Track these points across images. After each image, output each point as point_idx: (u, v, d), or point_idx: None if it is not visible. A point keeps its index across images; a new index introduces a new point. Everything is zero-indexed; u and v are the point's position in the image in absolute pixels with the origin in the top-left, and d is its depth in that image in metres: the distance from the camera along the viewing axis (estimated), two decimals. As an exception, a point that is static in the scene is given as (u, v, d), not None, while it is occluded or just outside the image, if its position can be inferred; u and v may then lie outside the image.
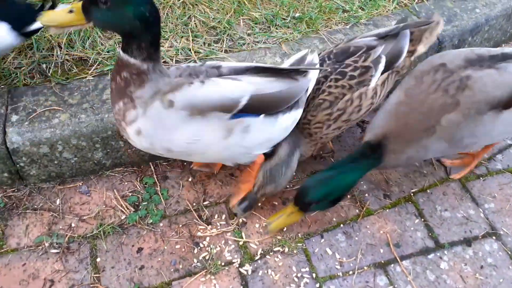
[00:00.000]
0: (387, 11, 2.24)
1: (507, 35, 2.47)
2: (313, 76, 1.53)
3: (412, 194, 1.78)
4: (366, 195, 1.78)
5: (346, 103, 1.58)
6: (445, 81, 1.51)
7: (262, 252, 1.60)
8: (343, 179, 1.50)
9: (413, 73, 1.61)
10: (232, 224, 1.67)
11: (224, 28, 2.06)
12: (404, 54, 1.63)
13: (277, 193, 1.66)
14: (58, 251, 1.58)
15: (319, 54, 1.67)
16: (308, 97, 1.56)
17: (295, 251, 1.60)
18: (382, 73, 1.61)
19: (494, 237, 1.66)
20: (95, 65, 1.85)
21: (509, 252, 1.62)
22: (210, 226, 1.66)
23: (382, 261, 1.59)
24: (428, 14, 2.23)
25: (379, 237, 1.65)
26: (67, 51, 1.87)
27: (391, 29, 1.67)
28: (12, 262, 1.54)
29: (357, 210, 1.73)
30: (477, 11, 2.26)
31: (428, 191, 1.80)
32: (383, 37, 1.66)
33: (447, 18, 2.21)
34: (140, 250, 1.59)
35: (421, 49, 1.70)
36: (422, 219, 1.71)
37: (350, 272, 1.56)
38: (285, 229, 1.66)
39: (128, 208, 1.70)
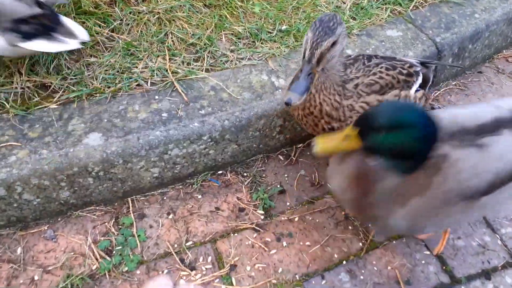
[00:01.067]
0: (380, 20, 2.08)
1: (508, 40, 2.33)
2: None
3: (420, 222, 1.59)
4: (369, 224, 1.58)
5: (395, 97, 1.49)
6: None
7: (255, 298, 1.40)
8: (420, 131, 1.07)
9: None
10: (222, 268, 1.46)
11: (204, 44, 1.88)
12: (430, 81, 1.65)
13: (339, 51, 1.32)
14: (18, 310, 1.36)
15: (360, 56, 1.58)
16: (357, 73, 1.48)
17: (292, 296, 1.40)
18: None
19: (515, 267, 1.48)
20: (60, 92, 1.65)
21: (534, 284, 1.43)
22: (194, 272, 1.45)
23: (393, 303, 1.40)
24: (423, 21, 2.08)
25: (387, 274, 1.46)
26: (28, 76, 1.67)
27: (426, 61, 1.71)
28: (-36, 327, 1.32)
29: (360, 244, 1.54)
30: (476, 16, 2.11)
31: (438, 217, 1.61)
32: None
33: (445, 25, 2.06)
34: (114, 304, 1.38)
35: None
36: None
37: (357, 319, 1.36)
38: (280, 269, 1.46)
39: (100, 255, 1.48)
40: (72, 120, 1.57)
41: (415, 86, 1.56)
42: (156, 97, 1.67)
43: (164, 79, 1.73)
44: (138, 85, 1.71)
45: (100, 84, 1.68)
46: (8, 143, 1.48)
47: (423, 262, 1.49)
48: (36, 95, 1.64)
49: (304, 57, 1.26)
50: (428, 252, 1.51)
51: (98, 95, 1.66)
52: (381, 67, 1.49)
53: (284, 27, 2.00)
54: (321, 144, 1.16)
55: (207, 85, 1.73)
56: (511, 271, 1.46)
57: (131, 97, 1.66)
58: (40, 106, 1.60)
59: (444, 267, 1.48)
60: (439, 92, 2.10)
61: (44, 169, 1.45)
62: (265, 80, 1.77)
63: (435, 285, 1.44)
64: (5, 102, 1.59)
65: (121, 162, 1.54)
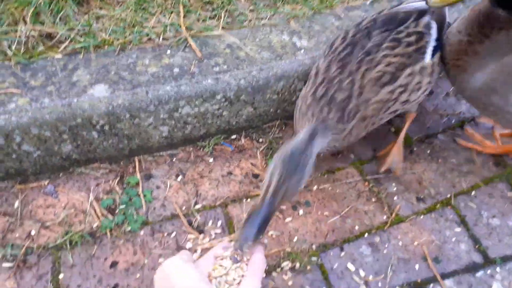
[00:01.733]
0: (411, -15, 1.93)
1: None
2: None
3: (451, 197, 1.45)
4: (395, 198, 1.45)
5: (408, 77, 1.30)
6: None
7: (267, 268, 1.27)
8: None
9: None
10: (232, 232, 1.35)
11: (222, 3, 1.76)
12: (447, 20, 1.40)
13: (296, 194, 1.23)
14: (11, 265, 1.26)
15: (360, 23, 1.40)
16: (358, 68, 1.28)
17: (308, 267, 1.28)
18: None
19: (555, 250, 1.33)
20: (66, 42, 1.55)
21: None
22: (202, 235, 1.34)
23: (419, 280, 1.26)
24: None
25: (413, 250, 1.32)
26: (33, 25, 1.56)
27: None
28: (-46, 280, 1.23)
29: (384, 216, 1.40)
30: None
31: (471, 193, 1.46)
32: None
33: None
34: (114, 264, 1.27)
35: None
36: (466, 228, 1.38)
37: (379, 295, 1.23)
38: (295, 238, 1.33)
39: (102, 213, 1.38)
40: (78, 71, 1.46)
41: (430, 48, 1.36)
42: (168, 52, 1.55)
43: (177, 34, 1.61)
44: (149, 39, 1.60)
45: (109, 36, 1.57)
46: (8, 90, 1.38)
47: (454, 239, 1.35)
48: (41, 44, 1.54)
49: (263, 195, 1.06)
50: (459, 229, 1.37)
51: (106, 47, 1.55)
52: (385, 48, 1.30)
53: (308, -11, 1.87)
54: None
55: (223, 42, 1.61)
56: (552, 254, 1.32)
57: (141, 51, 1.55)
58: (44, 56, 1.50)
59: (477, 246, 1.34)
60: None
61: (45, 119, 1.35)
62: (286, 40, 1.64)
63: (466, 264, 1.30)
64: (8, 50, 1.50)
65: (128, 117, 1.43)
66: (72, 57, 1.50)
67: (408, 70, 1.31)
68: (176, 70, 1.49)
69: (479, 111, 1.49)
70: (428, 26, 1.35)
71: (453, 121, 1.71)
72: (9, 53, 1.48)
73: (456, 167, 1.54)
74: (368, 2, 1.84)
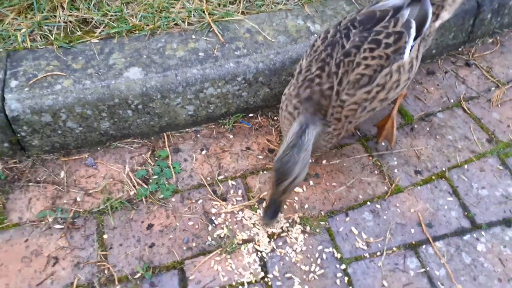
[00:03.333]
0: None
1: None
2: None
3: (445, 170, 1.63)
4: (396, 170, 1.63)
5: (386, 77, 1.37)
6: None
7: (281, 230, 1.47)
8: None
9: None
10: (251, 198, 1.54)
11: (240, -12, 1.88)
12: (430, 17, 1.45)
13: (299, 183, 1.38)
14: (62, 226, 1.47)
15: (339, 24, 1.46)
16: (336, 72, 1.35)
17: (317, 230, 1.47)
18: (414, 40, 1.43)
19: (536, 218, 1.51)
20: (100, 27, 1.70)
21: (553, 235, 1.47)
22: (225, 202, 1.53)
23: (413, 242, 1.46)
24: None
25: (410, 216, 1.51)
26: (70, 11, 1.72)
27: None
28: (14, 238, 1.44)
29: (385, 187, 1.59)
30: (519, -30, 2.04)
31: (464, 167, 1.64)
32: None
33: (486, -22, 2.00)
34: (150, 226, 1.48)
35: (445, 15, 1.55)
36: (457, 198, 1.56)
37: (378, 253, 1.43)
38: (306, 206, 1.53)
39: (137, 182, 1.58)
40: (113, 55, 1.62)
41: (409, 47, 1.40)
42: (193, 36, 1.70)
43: (201, 19, 1.75)
44: (175, 24, 1.74)
45: (139, 21, 1.72)
46: (54, 73, 1.55)
47: (446, 207, 1.54)
48: (78, 30, 1.69)
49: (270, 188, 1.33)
50: (451, 199, 1.56)
51: (137, 32, 1.70)
52: (364, 51, 1.34)
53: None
54: None
55: (242, 27, 1.75)
56: (532, 221, 1.50)
57: (169, 35, 1.70)
58: (82, 40, 1.66)
59: (466, 213, 1.52)
60: (475, 48, 2.07)
61: (88, 99, 1.52)
62: (300, 24, 1.78)
63: (456, 229, 1.49)
64: (49, 35, 1.66)
65: (159, 97, 1.60)
66: (108, 42, 1.66)
67: (385, 71, 1.36)
68: (201, 54, 1.65)
69: None
70: (407, 25, 1.39)
71: (452, 101, 1.86)
72: (51, 37, 1.65)
73: (452, 143, 1.71)
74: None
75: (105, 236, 1.46)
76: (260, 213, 1.50)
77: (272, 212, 1.34)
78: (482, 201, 1.55)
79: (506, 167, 1.64)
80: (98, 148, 1.68)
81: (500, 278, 1.38)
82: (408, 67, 1.42)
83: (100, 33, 1.69)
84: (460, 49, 2.06)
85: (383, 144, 1.70)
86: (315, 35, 1.75)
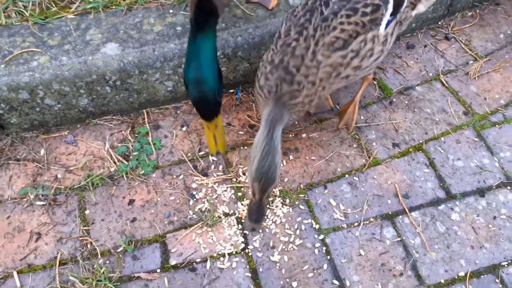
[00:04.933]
0: None
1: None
2: None
3: (423, 143, 1.66)
4: (374, 144, 1.65)
5: (360, 44, 1.39)
6: None
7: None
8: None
9: None
10: (231, 173, 1.56)
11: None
12: (405, 1, 1.49)
13: (275, 184, 1.40)
14: (44, 203, 1.48)
15: None
16: (314, 35, 1.37)
17: (296, 202, 1.50)
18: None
19: (509, 187, 1.55)
20: (76, 3, 1.67)
21: (525, 203, 1.52)
22: (206, 177, 1.55)
23: (390, 213, 1.50)
24: None
25: (387, 188, 1.55)
26: (45, -14, 1.68)
27: None
28: (-4, 215, 1.45)
29: (363, 160, 1.61)
30: None
31: (441, 139, 1.67)
32: None
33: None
34: (131, 202, 1.49)
35: (421, 8, 1.61)
36: (433, 169, 1.60)
37: (355, 224, 1.47)
38: (286, 179, 1.55)
39: (117, 159, 1.58)
40: (90, 30, 1.60)
41: (385, 20, 1.43)
42: (171, 11, 1.68)
43: (180, -6, 1.73)
44: (153, -1, 1.72)
45: (116, -4, 1.69)
46: (30, 49, 1.53)
47: (422, 179, 1.57)
48: (54, 5, 1.66)
49: (253, 195, 1.36)
50: (427, 170, 1.59)
51: (114, 7, 1.68)
52: (341, 16, 1.37)
53: None
54: None
55: (221, 2, 1.73)
56: (504, 190, 1.55)
57: (146, 10, 1.68)
58: (58, 16, 1.63)
59: (441, 184, 1.56)
60: (454, 21, 2.08)
61: (65, 75, 1.51)
62: (286, -3, 1.77)
63: (431, 199, 1.53)
64: (24, 11, 1.63)
65: (137, 73, 1.59)
66: (84, 17, 1.64)
67: (360, 38, 1.39)
68: (179, 28, 1.63)
69: None
70: (385, 0, 1.42)
71: (430, 74, 1.88)
72: (26, 13, 1.62)
73: (429, 116, 1.74)
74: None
75: (86, 212, 1.47)
76: (242, 187, 1.53)
77: (258, 215, 1.38)
78: (458, 172, 1.59)
79: (481, 139, 1.67)
80: (78, 126, 1.67)
81: (473, 245, 1.43)
82: (382, 39, 1.45)
83: (76, 8, 1.66)
84: (439, 23, 2.07)
85: (343, 128, 1.70)
86: (294, 7, 1.73)
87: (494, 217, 1.48)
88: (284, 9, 1.73)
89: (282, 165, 1.59)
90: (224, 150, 1.55)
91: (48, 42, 1.55)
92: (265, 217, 1.47)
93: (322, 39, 1.37)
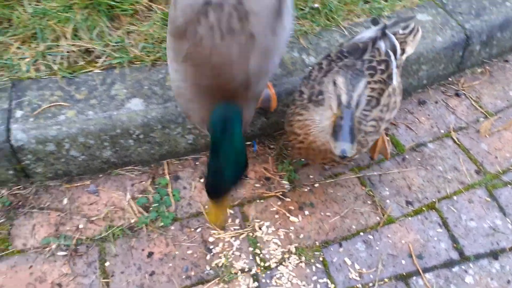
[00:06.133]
0: (411, 3, 2.11)
1: (537, 30, 2.34)
2: None
3: (435, 201, 1.69)
4: (388, 201, 1.69)
5: (388, 98, 1.50)
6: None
7: (277, 260, 1.53)
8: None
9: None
10: (247, 227, 1.59)
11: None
12: (399, 48, 1.60)
13: None
14: (65, 253, 1.52)
15: (328, 56, 1.57)
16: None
17: (312, 260, 1.53)
18: None
19: (521, 249, 1.58)
20: (102, 58, 1.75)
21: (537, 266, 1.54)
22: (223, 231, 1.58)
23: (404, 273, 1.52)
24: (454, 6, 2.10)
25: (401, 247, 1.57)
26: (72, 41, 1.77)
27: (378, 28, 1.61)
28: (18, 264, 1.48)
29: (377, 218, 1.65)
30: (507, 4, 2.13)
31: (453, 198, 1.71)
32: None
33: (475, 11, 2.08)
34: (150, 254, 1.53)
35: (409, 50, 1.70)
36: (447, 229, 1.62)
37: (370, 284, 1.48)
38: (301, 235, 1.59)
39: (138, 210, 1.62)
40: (115, 85, 1.67)
41: (395, 72, 1.53)
42: (194, 67, 1.76)
43: (201, 50, 1.80)
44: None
45: (140, 52, 1.77)
46: (58, 103, 1.59)
47: (436, 239, 1.60)
48: (81, 60, 1.74)
49: (339, 103, 1.22)
50: (441, 230, 1.62)
51: (138, 63, 1.75)
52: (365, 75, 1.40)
53: (316, 5, 2.05)
54: None
55: (241, 58, 1.81)
56: (517, 252, 1.57)
57: (170, 66, 1.76)
58: (85, 70, 1.71)
59: (455, 245, 1.59)
60: (464, 78, 2.14)
61: (90, 129, 1.57)
62: (296, 57, 1.85)
63: (445, 260, 1.55)
64: (52, 64, 1.70)
65: (159, 127, 1.65)
66: (109, 72, 1.72)
67: (386, 92, 1.49)
68: (200, 85, 1.70)
69: None
70: (388, 55, 1.53)
71: (442, 131, 1.93)
72: (55, 67, 1.70)
73: (442, 174, 1.78)
74: (370, 19, 2.03)
75: (107, 264, 1.50)
76: (258, 242, 1.56)
77: (351, 132, 1.18)
78: (471, 233, 1.62)
79: (494, 198, 1.71)
80: (100, 175, 1.72)
81: (486, 309, 1.45)
82: (398, 90, 1.57)
83: (102, 63, 1.74)
84: (450, 79, 2.13)
85: (379, 157, 1.79)
86: (309, 67, 1.81)
87: (508, 281, 1.50)
88: (301, 68, 1.80)
89: (297, 219, 1.63)
90: (223, 226, 1.57)
91: (75, 96, 1.62)
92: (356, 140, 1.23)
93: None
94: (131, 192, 1.68)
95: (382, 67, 1.50)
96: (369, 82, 1.42)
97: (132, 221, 1.60)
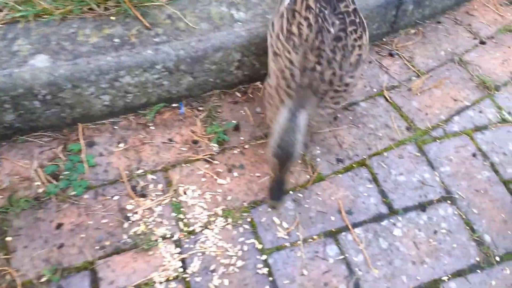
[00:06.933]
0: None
1: (467, -9, 2.36)
2: None
3: (366, 158, 1.66)
4: (318, 159, 1.63)
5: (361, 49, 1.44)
6: None
7: (202, 224, 1.43)
8: None
9: None
10: (170, 192, 1.48)
11: (161, -27, 1.80)
12: None
13: (296, 161, 1.35)
14: (-41, 229, 1.34)
15: (308, 7, 1.43)
16: (334, 57, 1.35)
17: (239, 222, 1.45)
18: None
19: (449, 201, 1.57)
20: (4, 11, 1.56)
21: (464, 217, 1.54)
22: (143, 198, 1.46)
23: (333, 229, 1.47)
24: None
25: (330, 204, 1.52)
26: (-33, -7, 1.55)
27: None
28: None
29: (307, 176, 1.59)
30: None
31: (384, 154, 1.68)
32: None
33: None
34: (59, 226, 1.38)
35: None
36: (376, 184, 1.59)
37: (298, 242, 1.42)
38: (229, 197, 1.50)
39: (46, 179, 1.47)
40: (17, 41, 1.49)
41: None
42: (109, 22, 1.60)
43: (118, 4, 1.65)
44: (90, 9, 1.63)
45: (49, 5, 1.59)
46: None
47: (365, 194, 1.56)
48: (-23, 13, 1.54)
49: (273, 172, 1.34)
50: (371, 186, 1.59)
51: (46, 16, 1.57)
52: (351, 33, 1.39)
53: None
54: None
55: (163, 13, 1.67)
56: (444, 204, 1.56)
57: (82, 20, 1.59)
58: (-18, 25, 1.51)
59: (384, 200, 1.56)
60: (398, 38, 2.12)
61: (-14, 89, 1.39)
62: (224, 12, 1.73)
63: (374, 215, 1.52)
64: None
65: (69, 87, 1.49)
66: (12, 26, 1.53)
67: (363, 47, 1.44)
68: (116, 40, 1.55)
69: None
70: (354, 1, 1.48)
71: (375, 90, 1.90)
72: None
73: (373, 132, 1.74)
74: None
75: (8, 238, 1.34)
76: (182, 207, 1.45)
77: (279, 193, 1.32)
78: (400, 187, 1.59)
79: (423, 153, 1.69)
80: (3, 143, 1.54)
81: (414, 261, 1.43)
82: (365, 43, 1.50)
83: (3, 17, 1.55)
84: (384, 39, 2.10)
85: None
86: (239, 22, 1.70)
87: (435, 232, 1.49)
88: (229, 23, 1.69)
89: (226, 181, 1.54)
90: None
91: (-32, 53, 1.43)
92: (286, 195, 1.43)
93: (346, 61, 1.37)
94: (39, 160, 1.51)
95: (357, 19, 1.44)
96: (355, 39, 1.39)
97: (40, 191, 1.44)
